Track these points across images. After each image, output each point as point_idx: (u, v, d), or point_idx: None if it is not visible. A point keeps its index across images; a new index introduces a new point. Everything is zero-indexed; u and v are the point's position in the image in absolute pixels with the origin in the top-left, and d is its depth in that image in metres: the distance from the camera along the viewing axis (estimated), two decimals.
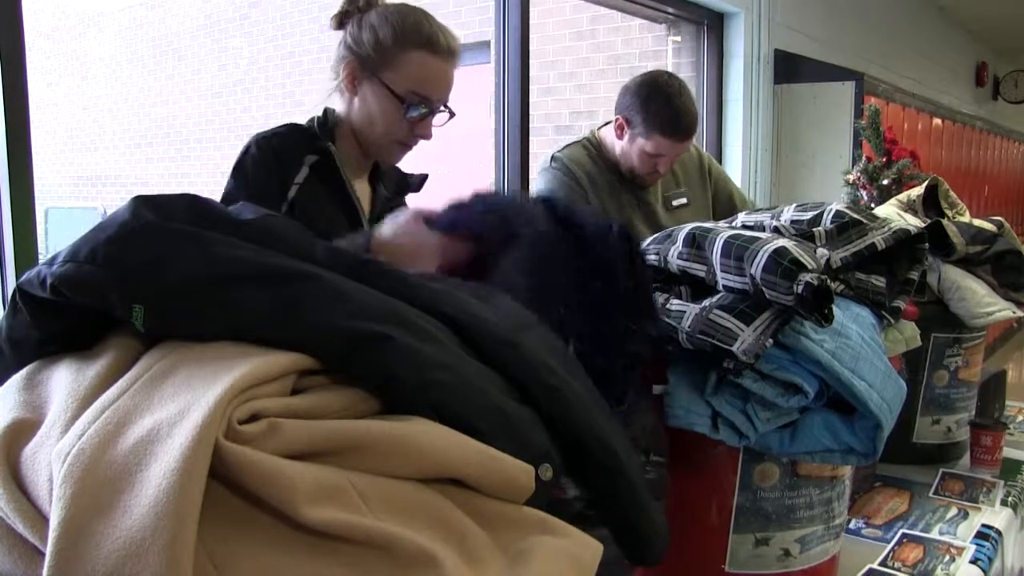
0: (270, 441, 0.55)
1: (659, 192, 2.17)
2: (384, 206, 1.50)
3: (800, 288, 0.88)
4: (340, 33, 1.44)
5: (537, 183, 2.12)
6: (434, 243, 1.05)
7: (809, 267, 0.90)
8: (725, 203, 2.26)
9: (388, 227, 1.12)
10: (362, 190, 1.50)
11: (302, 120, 1.49)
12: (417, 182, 1.58)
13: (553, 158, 2.10)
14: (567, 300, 0.89)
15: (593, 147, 2.13)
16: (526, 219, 0.98)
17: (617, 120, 2.05)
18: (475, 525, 0.59)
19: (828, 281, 0.91)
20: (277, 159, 1.39)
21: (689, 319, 0.96)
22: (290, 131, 1.43)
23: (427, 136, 1.44)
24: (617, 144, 2.07)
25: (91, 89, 9.09)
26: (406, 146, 1.45)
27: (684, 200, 2.21)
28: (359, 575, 0.53)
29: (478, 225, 1.03)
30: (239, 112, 7.48)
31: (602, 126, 2.18)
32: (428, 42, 1.38)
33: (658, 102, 1.96)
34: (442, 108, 1.43)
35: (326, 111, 1.48)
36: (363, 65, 1.40)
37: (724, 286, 0.98)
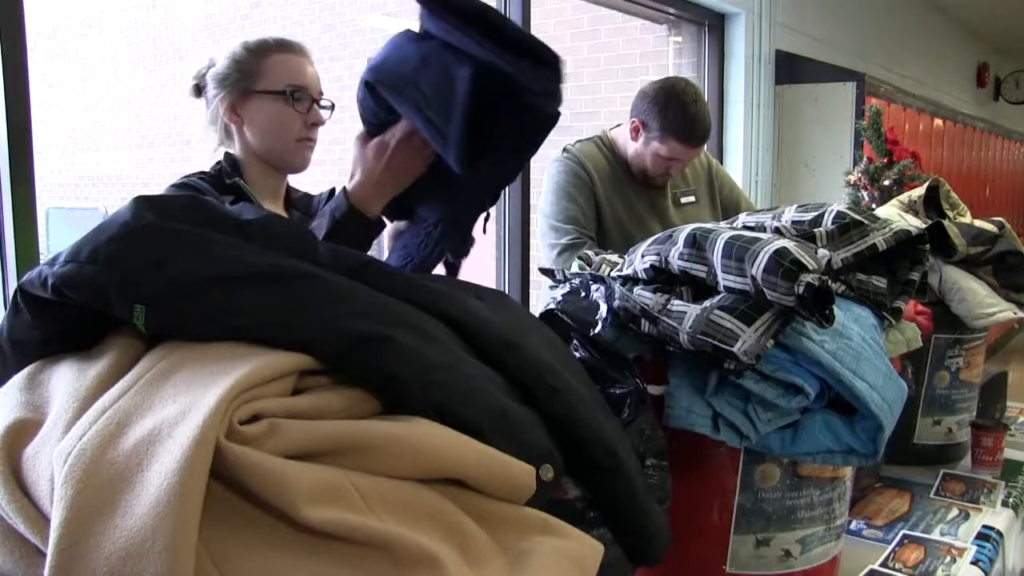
0: (271, 441, 0.55)
1: (668, 189, 2.19)
2: None
3: (801, 289, 0.88)
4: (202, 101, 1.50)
5: (547, 171, 2.15)
6: (396, 141, 1.11)
7: (810, 268, 0.90)
8: (732, 211, 2.28)
9: (358, 176, 1.16)
10: None
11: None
12: (327, 198, 1.60)
13: (565, 149, 2.14)
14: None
15: (605, 146, 2.18)
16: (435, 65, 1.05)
17: (633, 123, 2.09)
18: (476, 525, 0.59)
19: (829, 282, 0.91)
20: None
21: (690, 320, 0.96)
22: (199, 179, 1.45)
23: (321, 121, 1.49)
24: (631, 145, 2.11)
25: (92, 89, 9.09)
26: (308, 140, 1.48)
27: (692, 198, 2.23)
28: (360, 575, 0.53)
29: (400, 103, 1.08)
30: None
31: (613, 128, 2.23)
32: (280, 45, 1.47)
33: (675, 109, 2.01)
34: (325, 103, 1.49)
35: (226, 155, 1.51)
36: (236, 91, 1.45)
37: (725, 287, 0.98)
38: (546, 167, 2.16)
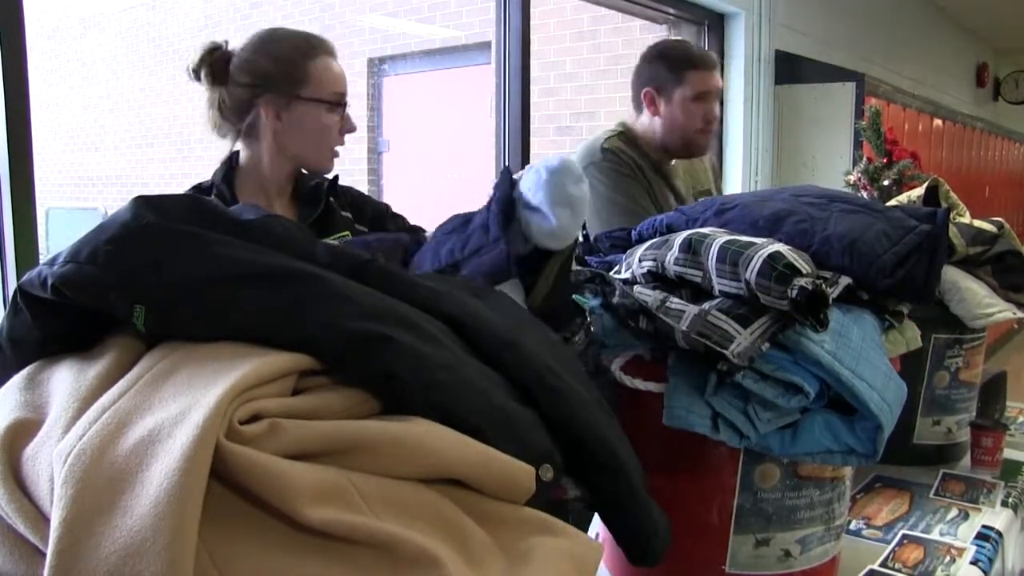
0: (271, 441, 0.55)
1: (688, 185, 2.16)
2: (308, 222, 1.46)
3: (794, 292, 0.88)
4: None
5: (591, 175, 1.94)
6: None
7: (803, 271, 0.90)
8: None
9: None
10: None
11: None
12: (327, 189, 1.51)
13: (603, 150, 2.01)
14: None
15: (629, 137, 2.09)
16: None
17: (646, 95, 2.03)
18: (476, 525, 0.59)
19: (824, 286, 0.91)
20: None
21: (688, 319, 0.96)
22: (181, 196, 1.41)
23: (353, 128, 1.47)
24: (657, 123, 2.04)
25: (92, 89, 9.09)
26: (339, 148, 1.47)
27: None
28: (360, 575, 0.53)
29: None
30: None
31: (623, 122, 2.16)
32: (322, 47, 1.42)
33: (676, 49, 2.06)
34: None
35: (231, 156, 1.45)
36: (281, 92, 1.38)
37: (720, 291, 0.98)
38: (584, 167, 2.04)
